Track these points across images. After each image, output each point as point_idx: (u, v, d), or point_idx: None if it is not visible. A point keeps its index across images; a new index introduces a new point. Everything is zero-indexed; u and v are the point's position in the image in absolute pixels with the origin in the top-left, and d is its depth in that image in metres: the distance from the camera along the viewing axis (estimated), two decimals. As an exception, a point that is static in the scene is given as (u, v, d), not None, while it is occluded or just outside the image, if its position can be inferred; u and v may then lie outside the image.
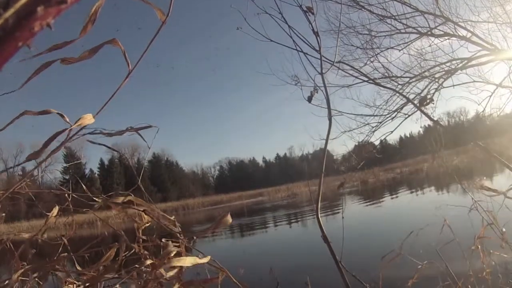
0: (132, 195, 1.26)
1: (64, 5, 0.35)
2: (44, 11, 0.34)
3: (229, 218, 1.20)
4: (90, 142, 1.21)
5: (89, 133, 1.01)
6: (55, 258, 1.43)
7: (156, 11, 0.79)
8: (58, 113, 0.85)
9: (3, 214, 1.95)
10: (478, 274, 3.00)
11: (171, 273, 1.19)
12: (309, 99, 2.16)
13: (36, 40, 0.38)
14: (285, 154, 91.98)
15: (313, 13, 2.17)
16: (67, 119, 0.86)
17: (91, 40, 0.78)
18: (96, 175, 68.58)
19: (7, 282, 1.39)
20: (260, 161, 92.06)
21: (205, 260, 1.22)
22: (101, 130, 1.04)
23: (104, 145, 1.37)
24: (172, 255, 1.19)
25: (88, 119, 0.87)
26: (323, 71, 2.04)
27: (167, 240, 1.27)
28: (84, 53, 0.79)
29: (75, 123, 0.86)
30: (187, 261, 1.16)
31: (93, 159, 76.20)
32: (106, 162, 69.41)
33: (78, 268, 1.47)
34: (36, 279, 1.51)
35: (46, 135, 0.96)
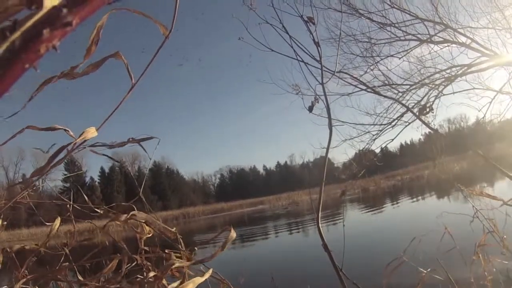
0: (134, 207, 1.27)
1: (69, 28, 0.36)
2: (50, 33, 0.35)
3: (233, 234, 1.21)
4: (92, 152, 1.22)
5: (92, 145, 1.02)
6: (56, 267, 1.43)
7: (159, 27, 0.78)
8: (64, 129, 0.86)
9: (5, 223, 1.95)
10: (480, 281, 2.98)
11: (174, 285, 1.19)
12: (310, 109, 2.17)
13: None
14: (286, 162, 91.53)
15: (313, 23, 2.18)
16: (72, 133, 0.86)
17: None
18: (96, 183, 68.49)
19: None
20: (260, 169, 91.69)
21: (207, 275, 1.22)
22: (103, 142, 1.05)
23: (105, 155, 1.38)
24: (174, 266, 1.19)
25: (91, 132, 0.87)
26: (324, 81, 2.05)
27: (169, 252, 1.27)
28: (88, 67, 0.79)
29: (79, 136, 0.86)
30: (191, 285, 1.16)
31: (93, 167, 75.95)
32: (106, 170, 69.37)
33: (80, 278, 1.47)
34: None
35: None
